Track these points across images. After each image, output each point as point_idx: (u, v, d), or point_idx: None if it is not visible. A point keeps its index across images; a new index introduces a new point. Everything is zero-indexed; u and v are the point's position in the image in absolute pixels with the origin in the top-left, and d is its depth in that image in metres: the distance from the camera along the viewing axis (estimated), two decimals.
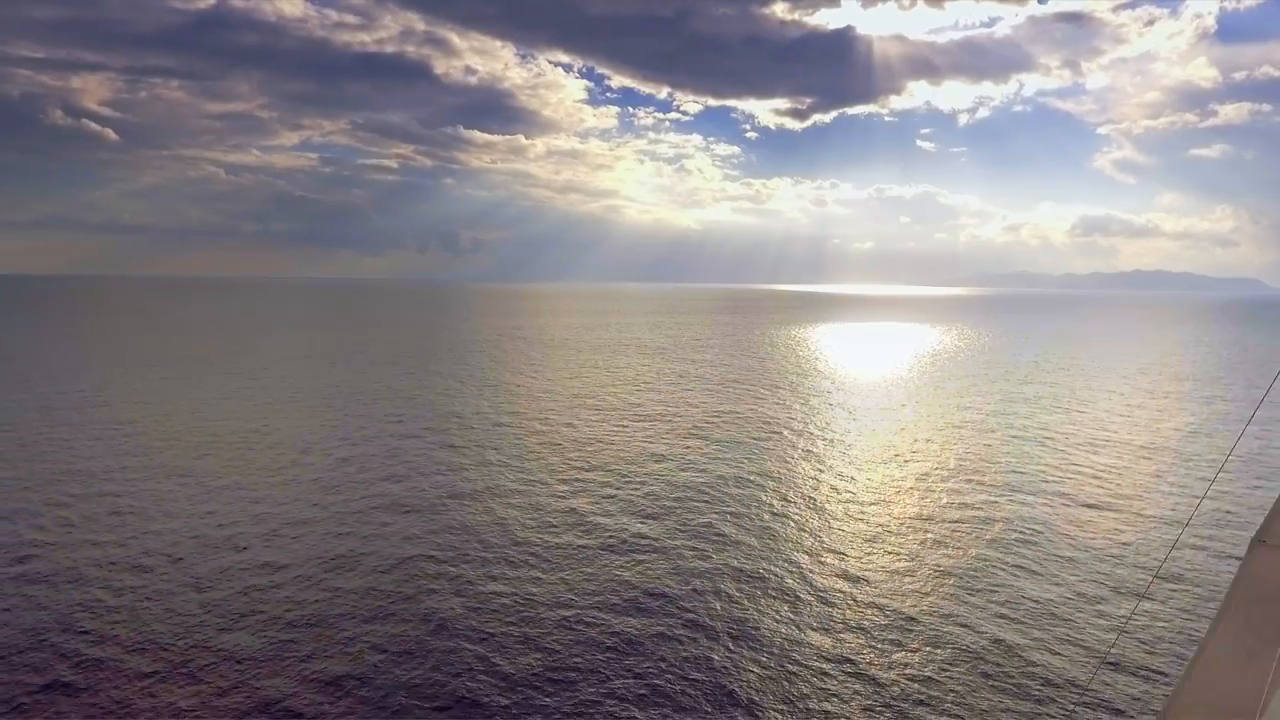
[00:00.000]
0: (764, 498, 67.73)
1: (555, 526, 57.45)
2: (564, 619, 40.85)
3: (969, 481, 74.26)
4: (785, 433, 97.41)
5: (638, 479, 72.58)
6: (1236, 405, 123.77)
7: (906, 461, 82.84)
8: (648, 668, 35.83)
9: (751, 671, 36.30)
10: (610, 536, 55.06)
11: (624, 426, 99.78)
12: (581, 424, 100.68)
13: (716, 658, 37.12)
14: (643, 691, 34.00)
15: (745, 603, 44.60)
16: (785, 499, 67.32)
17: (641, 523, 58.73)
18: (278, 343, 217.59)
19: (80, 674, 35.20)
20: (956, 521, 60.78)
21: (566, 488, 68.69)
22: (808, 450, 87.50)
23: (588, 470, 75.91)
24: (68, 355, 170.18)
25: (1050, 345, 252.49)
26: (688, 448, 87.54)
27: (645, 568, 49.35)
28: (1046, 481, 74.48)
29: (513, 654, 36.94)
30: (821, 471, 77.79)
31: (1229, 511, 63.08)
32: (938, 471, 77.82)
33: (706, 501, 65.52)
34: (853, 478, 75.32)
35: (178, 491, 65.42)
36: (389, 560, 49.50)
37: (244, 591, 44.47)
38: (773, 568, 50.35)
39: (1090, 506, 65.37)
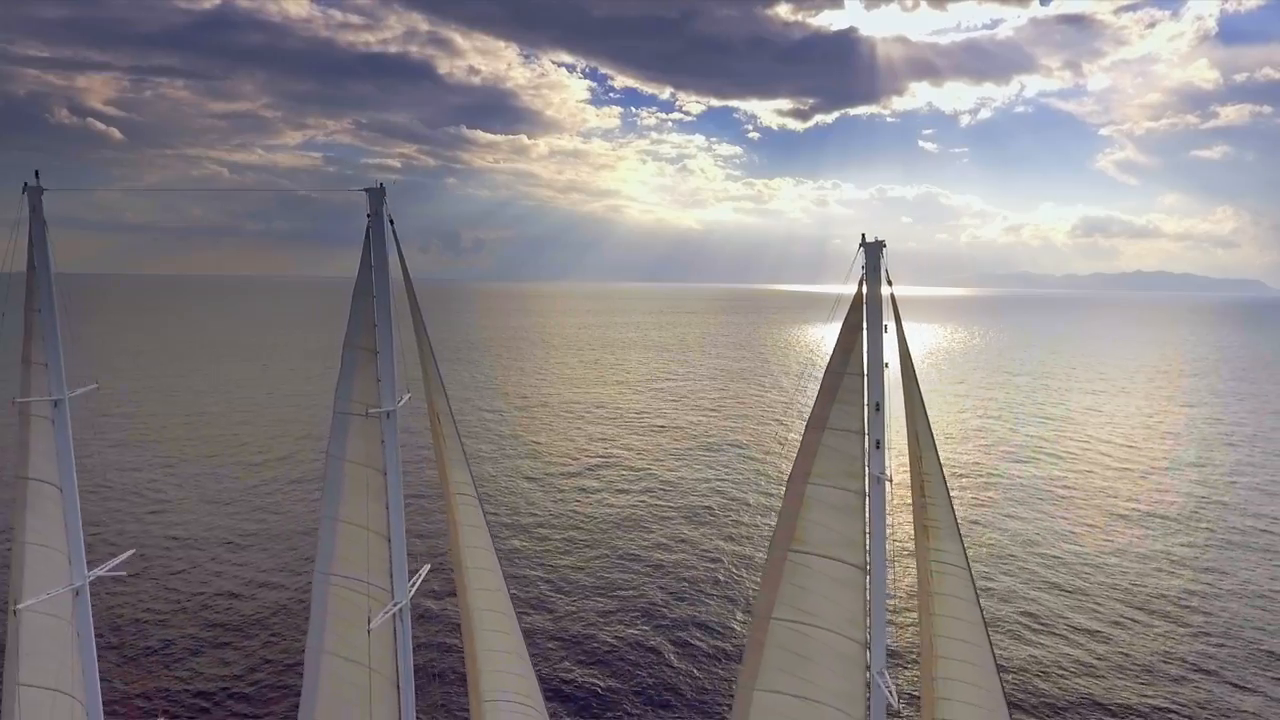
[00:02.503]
0: (751, 459, 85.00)
1: (607, 475, 76.91)
2: (624, 525, 57.54)
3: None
4: (783, 416, 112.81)
5: (659, 447, 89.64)
6: (1233, 400, 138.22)
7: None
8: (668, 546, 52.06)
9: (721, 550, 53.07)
10: (646, 481, 77.34)
11: (642, 410, 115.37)
12: (609, 406, 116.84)
13: (705, 543, 54.82)
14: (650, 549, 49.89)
15: (726, 516, 62.48)
16: (766, 462, 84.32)
17: (668, 472, 78.87)
18: (298, 339, 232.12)
19: None
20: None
21: (609, 451, 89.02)
22: (794, 425, 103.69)
23: (620, 439, 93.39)
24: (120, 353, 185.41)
25: (1055, 348, 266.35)
26: (697, 423, 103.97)
27: (667, 503, 68.19)
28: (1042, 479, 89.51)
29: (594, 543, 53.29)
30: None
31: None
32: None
33: (711, 460, 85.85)
34: None
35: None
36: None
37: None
38: (751, 498, 67.28)
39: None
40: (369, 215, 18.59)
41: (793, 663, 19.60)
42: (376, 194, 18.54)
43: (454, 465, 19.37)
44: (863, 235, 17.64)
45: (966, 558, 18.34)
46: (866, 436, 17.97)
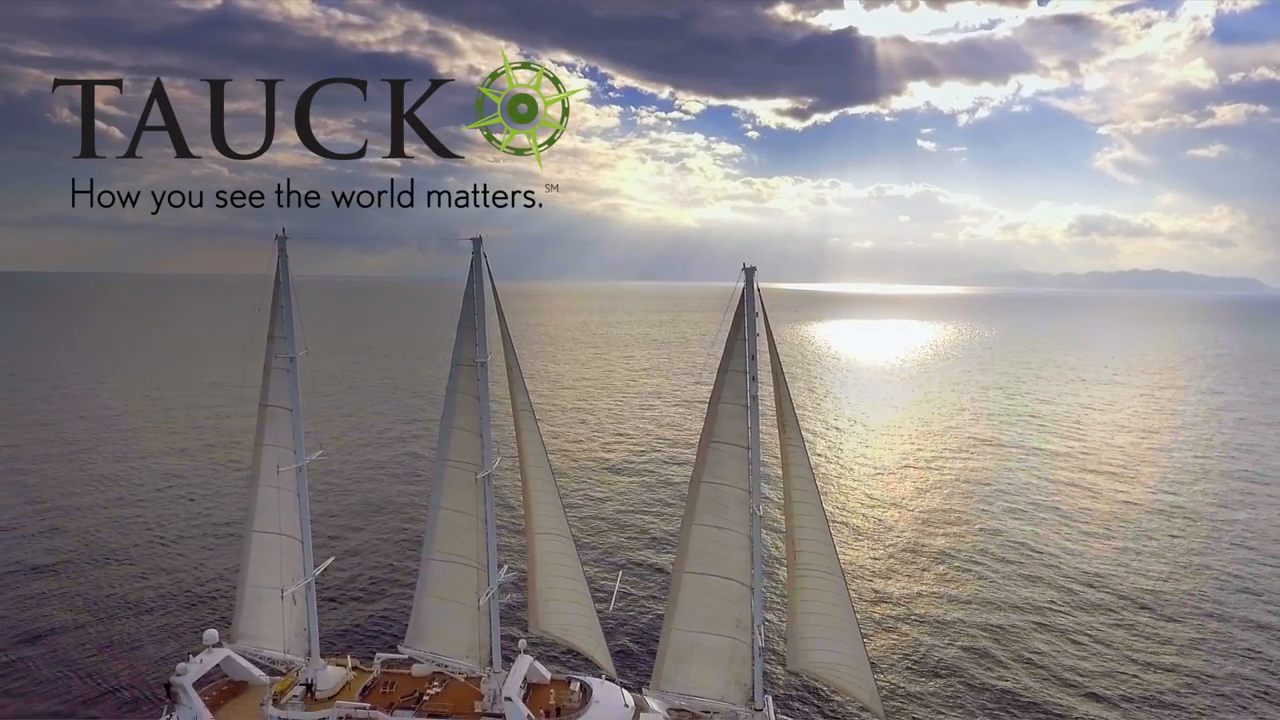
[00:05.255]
0: None
1: (618, 446, 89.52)
2: (627, 473, 72.55)
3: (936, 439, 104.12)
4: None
5: (661, 429, 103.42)
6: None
7: (862, 427, 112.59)
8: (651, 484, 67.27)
9: None
10: (650, 453, 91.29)
11: (649, 396, 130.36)
12: (617, 394, 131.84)
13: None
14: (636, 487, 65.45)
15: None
16: None
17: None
18: (322, 337, 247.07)
19: None
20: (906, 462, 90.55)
21: (618, 429, 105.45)
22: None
23: (627, 420, 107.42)
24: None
25: (1040, 346, 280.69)
26: (692, 394, 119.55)
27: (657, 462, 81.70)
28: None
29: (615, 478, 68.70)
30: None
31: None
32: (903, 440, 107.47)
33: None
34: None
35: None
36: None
37: None
38: None
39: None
40: (472, 255, 33.16)
41: (713, 507, 34.13)
42: (477, 241, 33.13)
43: (519, 392, 34.03)
44: (743, 264, 32.17)
45: (804, 442, 32.94)
46: (747, 374, 32.51)
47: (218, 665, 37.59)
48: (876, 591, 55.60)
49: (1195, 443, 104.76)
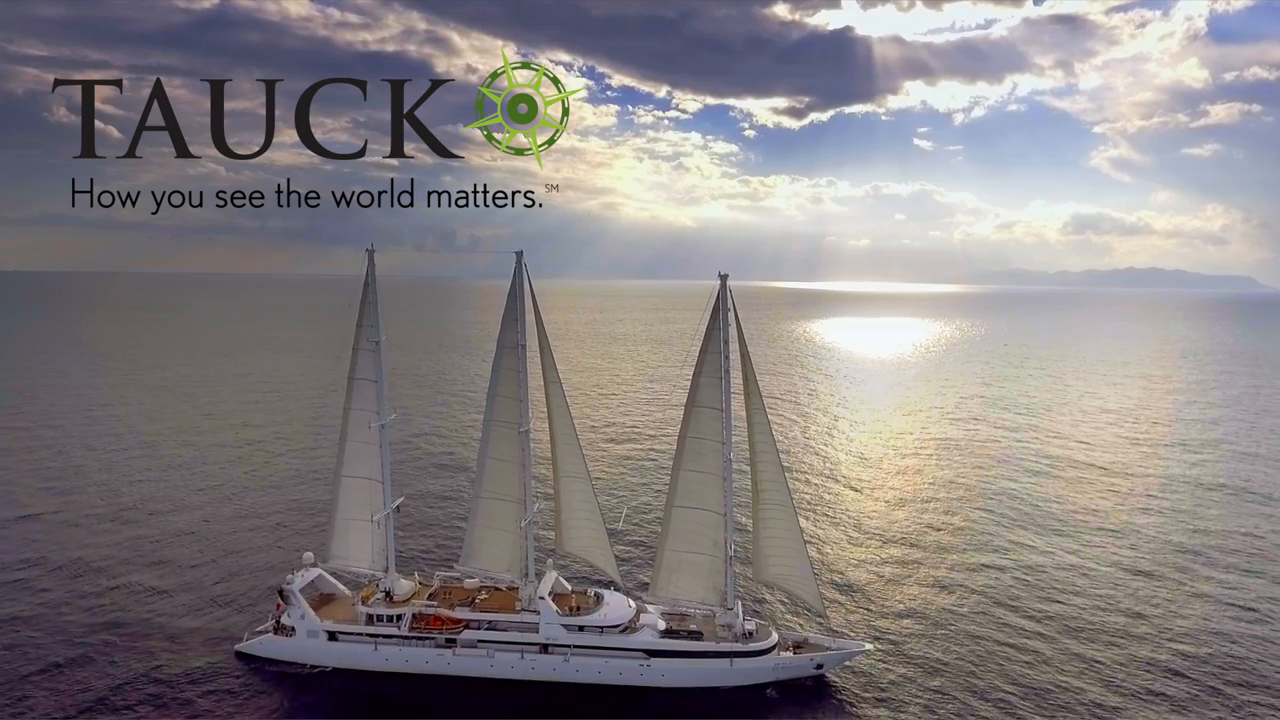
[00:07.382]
0: None
1: (624, 432, 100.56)
2: (631, 439, 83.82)
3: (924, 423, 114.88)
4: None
5: (659, 422, 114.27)
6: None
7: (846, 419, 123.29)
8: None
9: None
10: (654, 444, 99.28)
11: (648, 379, 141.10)
12: (625, 387, 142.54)
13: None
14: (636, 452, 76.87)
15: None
16: None
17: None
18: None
19: None
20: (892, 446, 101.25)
21: (624, 400, 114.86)
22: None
23: (631, 393, 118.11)
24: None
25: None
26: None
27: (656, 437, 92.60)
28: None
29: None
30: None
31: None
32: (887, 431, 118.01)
33: None
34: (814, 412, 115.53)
35: None
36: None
37: None
38: None
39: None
40: (515, 264, 43.97)
41: (696, 456, 45.06)
42: (519, 254, 43.97)
43: (548, 368, 44.95)
44: (719, 271, 43.01)
45: (764, 406, 43.88)
46: (720, 354, 43.44)
47: (311, 581, 48.41)
48: (822, 523, 66.55)
49: (1148, 421, 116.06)
